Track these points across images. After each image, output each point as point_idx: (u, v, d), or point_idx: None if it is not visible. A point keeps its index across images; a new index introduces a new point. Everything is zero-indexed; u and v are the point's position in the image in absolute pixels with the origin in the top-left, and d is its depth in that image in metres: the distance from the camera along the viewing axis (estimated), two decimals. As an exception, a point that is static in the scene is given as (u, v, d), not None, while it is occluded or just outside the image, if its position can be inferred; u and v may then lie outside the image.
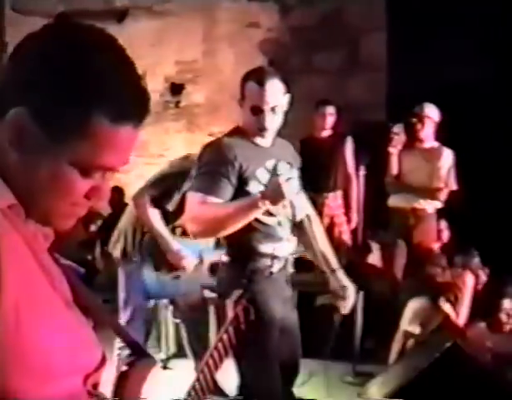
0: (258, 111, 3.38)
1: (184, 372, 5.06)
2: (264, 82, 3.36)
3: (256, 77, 3.41)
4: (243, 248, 3.42)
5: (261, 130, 3.42)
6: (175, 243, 4.75)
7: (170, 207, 4.75)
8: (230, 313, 1.61)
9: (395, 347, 5.35)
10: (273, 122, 3.42)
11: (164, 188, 4.73)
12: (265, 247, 3.42)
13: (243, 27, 8.44)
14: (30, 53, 1.08)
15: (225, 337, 1.56)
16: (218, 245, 4.66)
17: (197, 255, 4.90)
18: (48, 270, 1.15)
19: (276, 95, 3.40)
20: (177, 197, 4.69)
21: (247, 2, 8.41)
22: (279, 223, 3.49)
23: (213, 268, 4.83)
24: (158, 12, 8.58)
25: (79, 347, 1.14)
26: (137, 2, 8.73)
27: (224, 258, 3.53)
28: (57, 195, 1.12)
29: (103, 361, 1.23)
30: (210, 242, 4.82)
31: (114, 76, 1.08)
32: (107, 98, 1.07)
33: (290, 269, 3.63)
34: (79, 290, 1.29)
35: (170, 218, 4.78)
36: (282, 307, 3.47)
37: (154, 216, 4.71)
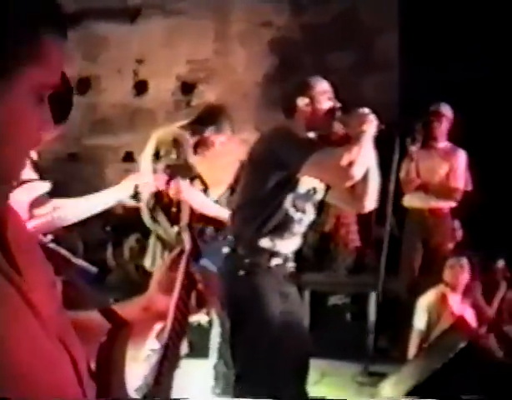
0: None
1: (195, 372, 5.06)
2: None
3: None
4: (244, 241, 3.45)
5: None
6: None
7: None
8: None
9: (412, 348, 5.32)
10: None
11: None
12: (266, 243, 3.46)
13: (255, 26, 8.42)
14: None
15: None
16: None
17: None
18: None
19: None
20: None
21: (259, 1, 8.39)
22: (300, 221, 3.53)
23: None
24: (170, 11, 8.57)
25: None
26: (149, 1, 8.73)
27: (225, 250, 3.55)
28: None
29: None
30: None
31: None
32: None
33: (290, 265, 3.63)
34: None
35: None
36: (281, 301, 3.49)
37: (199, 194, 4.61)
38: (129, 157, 8.71)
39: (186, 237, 1.60)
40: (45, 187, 3.04)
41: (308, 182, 3.54)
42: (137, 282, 7.13)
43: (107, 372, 1.26)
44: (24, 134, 1.02)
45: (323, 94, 3.62)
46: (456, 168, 6.22)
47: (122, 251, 7.72)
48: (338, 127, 3.66)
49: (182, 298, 1.47)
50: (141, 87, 8.84)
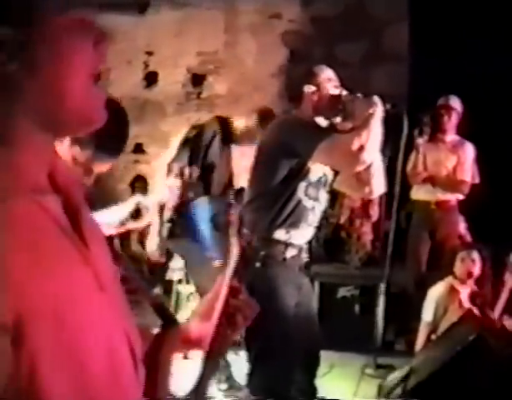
0: None
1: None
2: None
3: None
4: (258, 234, 3.46)
5: None
6: None
7: None
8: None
9: (420, 340, 5.32)
10: None
11: None
12: (280, 234, 3.46)
13: (265, 18, 8.41)
14: None
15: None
16: None
17: None
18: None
19: None
20: None
21: (268, -8, 8.39)
22: (313, 209, 3.53)
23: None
24: (179, 2, 8.57)
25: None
26: (158, -8, 8.74)
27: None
28: None
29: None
30: None
31: None
32: None
33: (305, 257, 3.64)
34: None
35: None
36: (296, 293, 3.50)
37: None
38: (139, 149, 8.74)
39: (234, 243, 1.51)
40: None
41: (318, 169, 3.55)
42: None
43: (155, 370, 1.27)
44: (82, 63, 1.01)
45: (329, 82, 3.63)
46: (464, 161, 6.20)
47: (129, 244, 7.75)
48: (344, 123, 3.66)
49: (222, 323, 1.42)
50: (151, 79, 8.86)
